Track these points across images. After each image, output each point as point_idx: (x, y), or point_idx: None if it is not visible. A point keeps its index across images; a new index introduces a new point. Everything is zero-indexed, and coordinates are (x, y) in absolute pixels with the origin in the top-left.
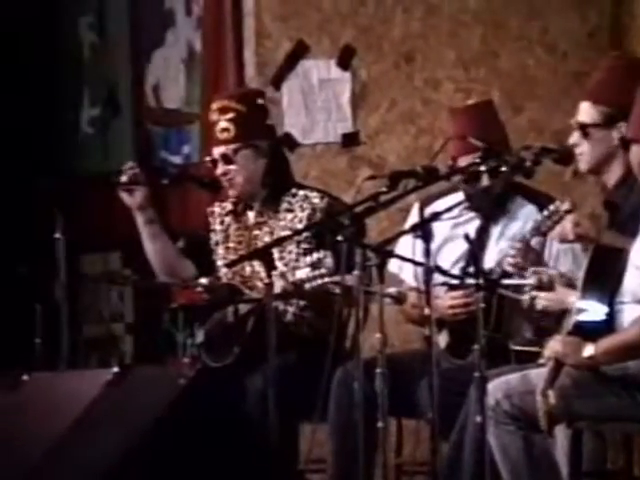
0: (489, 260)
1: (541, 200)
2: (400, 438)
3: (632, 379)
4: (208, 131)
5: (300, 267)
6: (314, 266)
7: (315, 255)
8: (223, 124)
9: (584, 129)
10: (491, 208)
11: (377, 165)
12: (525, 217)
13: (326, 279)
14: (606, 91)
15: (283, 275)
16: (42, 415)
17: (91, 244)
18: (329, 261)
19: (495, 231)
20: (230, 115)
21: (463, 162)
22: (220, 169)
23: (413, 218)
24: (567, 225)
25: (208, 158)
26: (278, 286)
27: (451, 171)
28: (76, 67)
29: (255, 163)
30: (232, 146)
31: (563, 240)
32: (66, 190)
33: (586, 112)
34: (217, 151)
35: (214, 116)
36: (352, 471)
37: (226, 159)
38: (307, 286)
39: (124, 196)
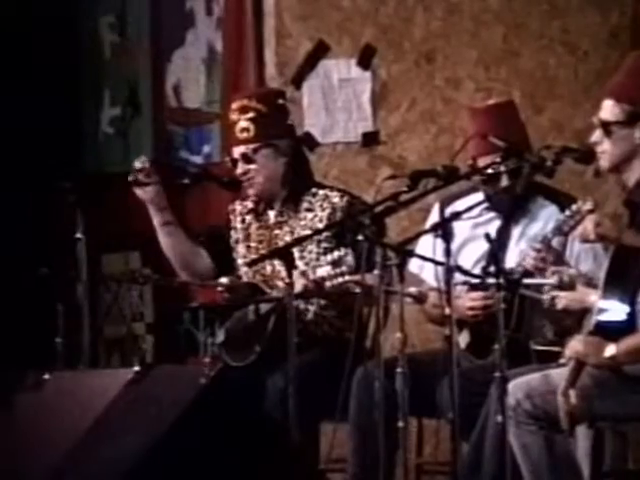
0: (510, 260)
1: (562, 200)
2: (421, 438)
3: None
4: (228, 131)
5: (321, 265)
6: (335, 264)
7: (336, 253)
8: (243, 124)
9: (606, 127)
10: (512, 208)
11: (397, 165)
12: (546, 217)
13: (347, 277)
14: (629, 89)
15: (304, 273)
16: (64, 414)
17: (111, 244)
18: (350, 259)
19: (516, 231)
20: (250, 115)
21: (483, 162)
22: (240, 169)
23: (433, 217)
24: (588, 225)
25: (228, 158)
26: (299, 284)
27: (471, 171)
28: (97, 67)
29: (275, 163)
30: (252, 146)
31: (584, 240)
32: (87, 190)
33: (609, 110)
34: (237, 151)
35: (234, 116)
36: (372, 471)
37: (246, 159)
38: (328, 284)
39: (137, 191)
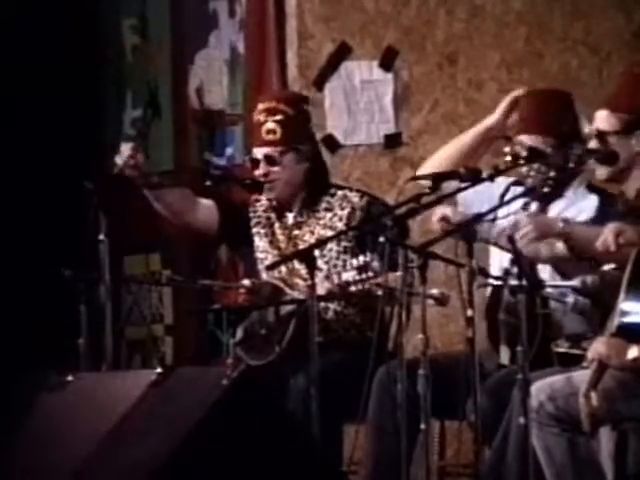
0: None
1: (606, 195)
2: (443, 440)
3: None
4: (252, 131)
5: (347, 270)
6: (360, 269)
7: (362, 258)
8: (270, 125)
9: (603, 137)
10: (548, 193)
11: (420, 166)
12: (583, 206)
13: (372, 282)
14: (625, 99)
15: (328, 277)
16: (86, 415)
17: (133, 245)
18: (376, 265)
19: (552, 212)
20: (278, 117)
21: (522, 139)
22: (262, 169)
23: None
24: (609, 237)
25: (248, 157)
26: (323, 288)
27: (495, 173)
28: (119, 69)
29: (297, 167)
30: (278, 148)
31: (606, 251)
32: (109, 192)
33: (605, 120)
34: (260, 151)
35: (261, 117)
36: (387, 472)
37: (270, 160)
38: (353, 289)
39: (128, 171)
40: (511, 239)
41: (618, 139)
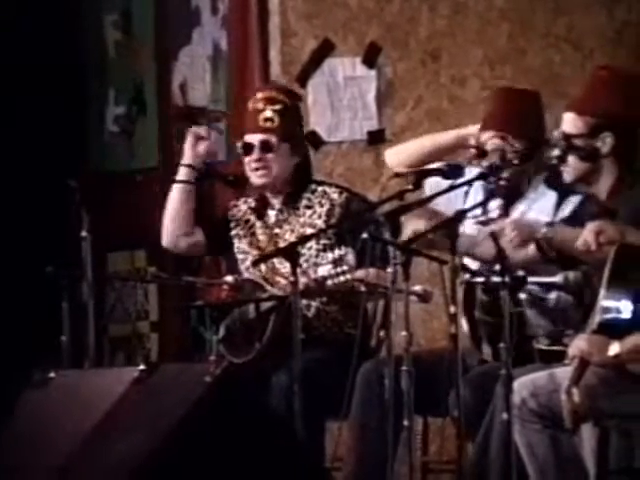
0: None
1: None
2: (426, 437)
3: None
4: (245, 119)
5: (322, 264)
6: (336, 263)
7: (337, 252)
8: (269, 113)
9: (570, 140)
10: (510, 194)
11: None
12: (544, 205)
13: (348, 276)
14: (590, 102)
15: (305, 272)
16: (69, 412)
17: (117, 242)
18: (350, 258)
19: (516, 212)
20: (277, 107)
21: (487, 135)
22: (256, 154)
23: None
24: (589, 236)
25: (239, 143)
26: (300, 283)
27: (478, 176)
28: (101, 66)
29: (289, 159)
30: (273, 136)
31: (587, 251)
32: (92, 188)
33: (571, 123)
34: (256, 137)
35: (259, 104)
36: (371, 470)
37: (266, 147)
38: (329, 283)
39: (194, 128)
40: (494, 236)
41: (584, 142)
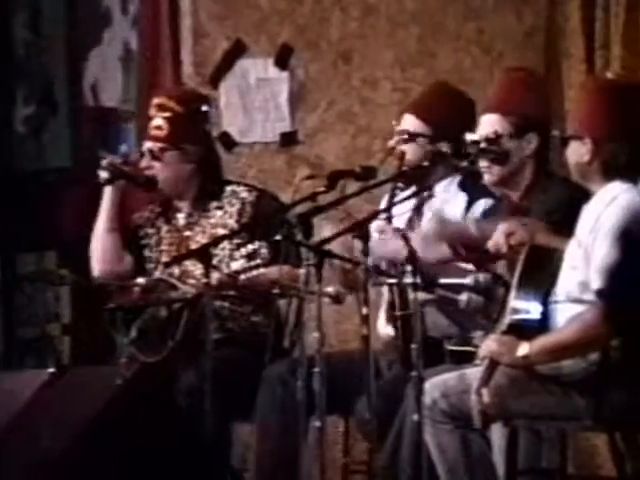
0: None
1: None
2: (347, 437)
3: (566, 378)
4: (145, 127)
5: (235, 259)
6: (249, 257)
7: (250, 246)
8: (158, 121)
9: (494, 141)
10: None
11: (315, 165)
12: (455, 207)
13: (261, 270)
14: (515, 102)
15: (217, 267)
16: None
17: (26, 243)
18: (264, 251)
19: (428, 212)
20: (166, 114)
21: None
22: (145, 162)
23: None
24: (500, 239)
25: (138, 150)
26: (214, 278)
27: (397, 174)
28: (8, 65)
29: (179, 166)
30: (160, 145)
31: (498, 253)
32: (0, 189)
33: (496, 124)
34: (147, 145)
35: (152, 111)
36: (277, 471)
37: (153, 155)
38: (243, 277)
39: (108, 191)
40: (405, 237)
41: (510, 142)
